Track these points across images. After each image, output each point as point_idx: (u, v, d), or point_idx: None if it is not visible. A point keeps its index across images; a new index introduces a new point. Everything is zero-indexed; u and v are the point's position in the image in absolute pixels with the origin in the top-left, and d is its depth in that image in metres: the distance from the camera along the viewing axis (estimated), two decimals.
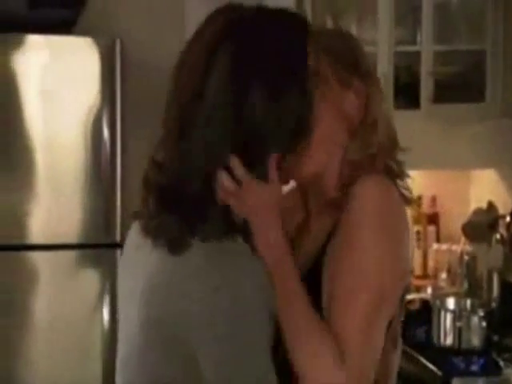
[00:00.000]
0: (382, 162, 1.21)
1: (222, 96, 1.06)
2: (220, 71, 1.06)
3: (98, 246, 2.71)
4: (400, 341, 1.28)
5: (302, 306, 1.10)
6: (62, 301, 2.71)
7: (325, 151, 1.20)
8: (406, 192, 1.23)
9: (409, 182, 1.24)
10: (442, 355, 2.30)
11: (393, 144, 1.24)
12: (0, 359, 2.69)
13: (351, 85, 1.20)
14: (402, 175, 1.23)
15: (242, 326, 1.05)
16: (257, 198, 1.10)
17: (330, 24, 3.13)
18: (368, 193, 1.16)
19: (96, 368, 2.71)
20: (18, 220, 2.70)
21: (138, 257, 1.16)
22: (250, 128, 1.07)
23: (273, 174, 1.11)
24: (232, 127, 1.07)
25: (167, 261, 1.08)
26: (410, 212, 3.45)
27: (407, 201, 1.23)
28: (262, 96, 1.06)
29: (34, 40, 2.71)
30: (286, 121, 1.08)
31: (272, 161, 1.10)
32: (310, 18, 3.06)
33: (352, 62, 1.21)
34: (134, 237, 1.18)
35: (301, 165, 1.18)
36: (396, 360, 1.26)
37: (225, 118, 1.06)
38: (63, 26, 2.84)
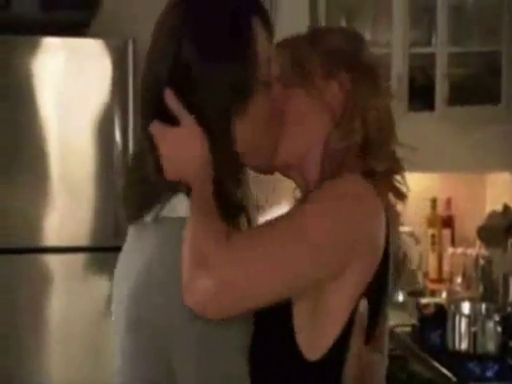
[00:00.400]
0: (371, 155, 1.19)
1: (163, 55, 1.13)
2: (168, 30, 1.14)
3: (109, 249, 2.70)
4: (384, 345, 1.21)
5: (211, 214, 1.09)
6: (74, 303, 2.71)
7: (304, 141, 1.21)
8: (401, 187, 1.21)
9: (405, 177, 1.23)
10: (456, 360, 2.28)
11: (385, 138, 1.22)
12: (13, 360, 2.69)
13: (335, 76, 1.20)
14: (397, 171, 1.22)
15: (218, 324, 1.06)
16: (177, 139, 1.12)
17: (344, 26, 3.12)
18: (332, 185, 1.15)
19: (107, 369, 2.70)
20: (31, 223, 2.70)
21: (127, 259, 1.19)
22: (187, 84, 1.11)
23: (178, 110, 1.11)
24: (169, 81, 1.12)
25: (151, 260, 1.10)
26: (424, 214, 3.43)
27: (401, 196, 1.21)
28: (195, 54, 1.11)
29: (47, 42, 2.71)
30: (219, 81, 1.11)
31: (169, 97, 1.11)
32: (324, 19, 3.07)
33: (340, 53, 1.22)
34: (127, 241, 1.22)
35: (276, 153, 1.19)
36: (378, 366, 1.19)
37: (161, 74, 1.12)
38: (77, 28, 2.84)
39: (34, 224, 2.70)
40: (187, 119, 1.11)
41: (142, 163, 1.14)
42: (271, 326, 1.13)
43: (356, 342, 1.12)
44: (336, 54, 1.21)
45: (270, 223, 1.11)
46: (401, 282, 2.92)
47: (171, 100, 1.11)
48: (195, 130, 1.11)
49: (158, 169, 1.12)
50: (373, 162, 1.19)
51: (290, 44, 1.24)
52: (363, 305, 1.13)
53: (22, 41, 2.70)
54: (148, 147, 1.13)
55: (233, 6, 1.14)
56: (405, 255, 1.20)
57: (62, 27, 2.76)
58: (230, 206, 1.13)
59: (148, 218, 1.13)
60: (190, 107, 1.11)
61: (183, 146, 1.11)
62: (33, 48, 2.69)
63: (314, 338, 1.12)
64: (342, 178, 1.16)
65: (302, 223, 1.09)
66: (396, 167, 1.22)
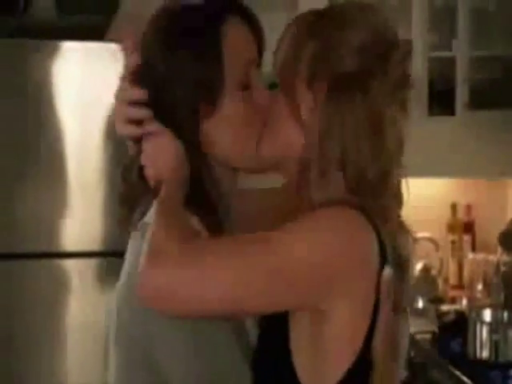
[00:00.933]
0: (349, 176, 1.10)
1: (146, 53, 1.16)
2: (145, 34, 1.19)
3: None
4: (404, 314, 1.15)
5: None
6: (91, 307, 2.71)
7: (278, 148, 1.15)
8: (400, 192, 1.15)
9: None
10: (477, 369, 2.25)
11: (365, 159, 1.09)
12: (29, 364, 2.69)
13: (312, 86, 1.11)
14: (388, 177, 1.12)
15: (204, 322, 1.06)
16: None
17: None
18: (321, 212, 1.07)
19: None
20: (47, 227, 2.70)
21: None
22: (156, 84, 1.14)
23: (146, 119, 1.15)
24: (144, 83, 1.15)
25: (130, 268, 1.13)
26: (444, 220, 3.39)
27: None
28: (160, 54, 1.13)
29: (65, 46, 2.71)
30: (184, 80, 1.12)
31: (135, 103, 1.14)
32: None
33: (330, 60, 1.11)
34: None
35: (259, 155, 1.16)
36: (403, 332, 1.14)
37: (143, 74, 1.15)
38: (94, 32, 2.84)
39: (50, 229, 2.70)
40: (155, 126, 1.14)
41: (130, 166, 1.20)
42: (270, 348, 1.11)
43: (384, 311, 1.06)
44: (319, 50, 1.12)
45: (243, 236, 1.09)
46: (421, 288, 2.89)
47: (137, 106, 1.14)
48: (167, 135, 1.13)
49: (141, 174, 1.16)
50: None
51: (289, 35, 1.15)
52: (387, 272, 1.06)
53: (40, 45, 2.71)
54: (136, 151, 1.18)
55: (205, 6, 1.14)
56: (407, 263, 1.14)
57: (79, 31, 2.76)
58: (205, 206, 1.13)
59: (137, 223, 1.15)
60: (162, 107, 1.13)
61: (158, 151, 1.14)
62: (50, 52, 2.69)
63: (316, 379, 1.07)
64: (329, 209, 1.08)
65: (272, 245, 1.04)
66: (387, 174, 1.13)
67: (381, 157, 1.10)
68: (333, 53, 1.11)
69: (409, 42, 1.15)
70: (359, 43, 1.11)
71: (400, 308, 1.10)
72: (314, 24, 1.14)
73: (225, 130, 1.14)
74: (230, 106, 1.13)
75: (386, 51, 1.11)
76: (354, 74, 1.09)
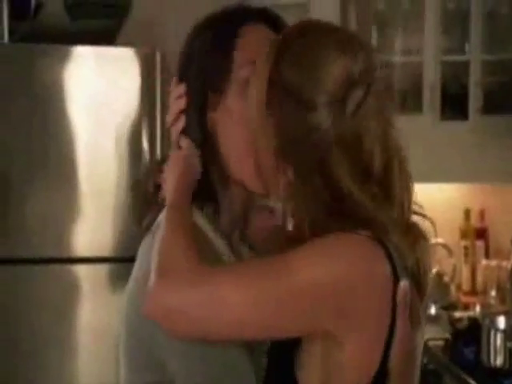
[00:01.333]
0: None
1: None
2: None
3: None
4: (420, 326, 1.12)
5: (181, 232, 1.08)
6: (102, 313, 2.70)
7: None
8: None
9: None
10: (491, 376, 2.24)
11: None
12: (39, 370, 2.69)
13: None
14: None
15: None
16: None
17: (374, 34, 3.09)
18: (332, 239, 1.04)
19: None
20: (59, 233, 2.69)
21: None
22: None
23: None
24: None
25: (136, 270, 1.17)
26: (457, 225, 3.37)
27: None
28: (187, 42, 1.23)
29: (76, 51, 2.71)
30: (195, 66, 1.20)
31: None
32: (354, 27, 3.04)
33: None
34: None
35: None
36: (419, 345, 1.11)
37: None
38: (105, 36, 2.84)
39: (61, 234, 2.69)
40: (186, 141, 1.18)
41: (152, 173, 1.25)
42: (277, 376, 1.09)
43: (401, 325, 1.03)
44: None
45: (256, 259, 1.08)
46: (433, 294, 2.87)
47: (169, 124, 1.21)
48: (185, 151, 1.17)
49: (156, 184, 1.20)
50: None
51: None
52: (403, 285, 1.03)
53: (51, 50, 2.70)
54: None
55: (235, 11, 1.23)
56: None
57: (90, 36, 2.76)
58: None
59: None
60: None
61: (172, 165, 1.18)
62: (62, 57, 2.69)
63: None
64: (339, 236, 1.04)
65: (285, 270, 1.02)
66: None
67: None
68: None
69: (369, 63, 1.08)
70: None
71: (418, 321, 1.07)
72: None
73: (228, 124, 1.17)
74: (234, 100, 1.16)
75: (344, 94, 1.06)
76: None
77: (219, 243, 1.16)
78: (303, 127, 1.05)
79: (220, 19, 1.21)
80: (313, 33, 1.10)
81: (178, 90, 1.20)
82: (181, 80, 1.21)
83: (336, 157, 1.04)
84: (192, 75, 1.19)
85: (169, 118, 1.22)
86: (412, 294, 1.05)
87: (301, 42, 1.08)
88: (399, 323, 1.03)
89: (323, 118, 1.04)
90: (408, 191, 1.11)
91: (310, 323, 1.03)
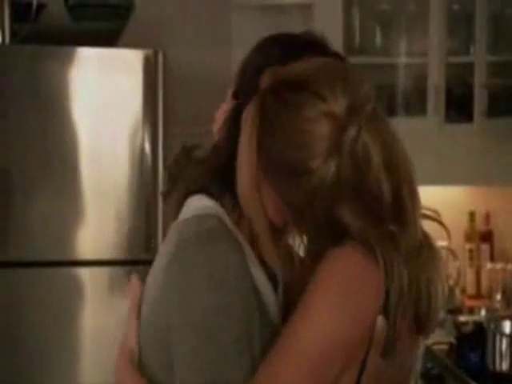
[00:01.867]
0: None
1: None
2: None
3: (140, 263, 2.68)
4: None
5: None
6: (106, 316, 2.70)
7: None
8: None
9: None
10: (496, 381, 2.22)
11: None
12: (42, 373, 2.68)
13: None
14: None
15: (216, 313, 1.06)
16: None
17: (378, 35, 3.08)
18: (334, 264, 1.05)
19: None
20: (62, 236, 2.68)
21: None
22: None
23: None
24: None
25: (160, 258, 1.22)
26: (461, 228, 3.35)
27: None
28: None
29: (78, 52, 2.70)
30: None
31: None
32: (358, 28, 3.03)
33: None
34: None
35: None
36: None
37: None
38: (107, 38, 2.84)
39: (64, 237, 2.69)
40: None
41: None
42: None
43: (373, 359, 1.04)
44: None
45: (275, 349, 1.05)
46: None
47: None
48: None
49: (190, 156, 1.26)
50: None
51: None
52: (380, 321, 1.03)
53: (54, 51, 2.70)
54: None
55: (296, 39, 1.19)
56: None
57: (93, 37, 2.76)
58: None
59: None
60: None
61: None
62: (64, 58, 2.68)
63: None
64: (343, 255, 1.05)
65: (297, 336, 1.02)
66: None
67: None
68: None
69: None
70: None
71: (392, 350, 1.06)
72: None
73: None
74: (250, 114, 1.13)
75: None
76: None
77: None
78: (305, 191, 1.03)
79: (297, 44, 1.17)
80: (287, 91, 1.05)
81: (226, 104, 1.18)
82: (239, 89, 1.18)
83: (345, 202, 1.03)
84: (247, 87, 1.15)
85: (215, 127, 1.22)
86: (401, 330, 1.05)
87: (277, 110, 1.05)
88: (370, 358, 1.04)
89: (323, 174, 1.02)
90: (419, 210, 1.10)
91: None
